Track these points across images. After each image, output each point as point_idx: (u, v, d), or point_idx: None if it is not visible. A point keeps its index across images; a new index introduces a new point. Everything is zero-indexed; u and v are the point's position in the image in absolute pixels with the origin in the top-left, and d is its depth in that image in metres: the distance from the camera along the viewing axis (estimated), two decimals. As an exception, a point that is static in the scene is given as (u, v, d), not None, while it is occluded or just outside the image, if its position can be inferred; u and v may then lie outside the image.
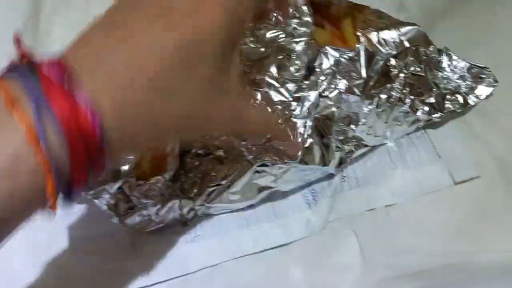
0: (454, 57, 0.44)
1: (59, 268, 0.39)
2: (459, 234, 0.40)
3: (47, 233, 0.40)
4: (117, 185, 0.37)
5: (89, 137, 0.21)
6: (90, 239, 0.40)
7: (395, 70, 0.40)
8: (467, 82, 0.44)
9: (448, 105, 0.43)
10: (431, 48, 0.43)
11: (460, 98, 0.43)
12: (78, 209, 0.40)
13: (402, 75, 0.41)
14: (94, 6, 0.49)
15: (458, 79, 0.44)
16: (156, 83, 0.23)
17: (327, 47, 0.40)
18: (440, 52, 0.44)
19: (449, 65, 0.44)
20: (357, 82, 0.39)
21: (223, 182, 0.38)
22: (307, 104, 0.39)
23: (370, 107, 0.40)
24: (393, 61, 0.40)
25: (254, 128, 0.34)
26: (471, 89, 0.43)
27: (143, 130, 0.24)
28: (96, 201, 0.37)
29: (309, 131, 0.38)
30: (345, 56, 0.40)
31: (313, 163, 0.39)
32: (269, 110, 0.38)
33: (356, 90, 0.39)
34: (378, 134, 0.42)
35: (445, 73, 0.44)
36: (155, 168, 0.41)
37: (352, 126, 0.40)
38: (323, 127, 0.39)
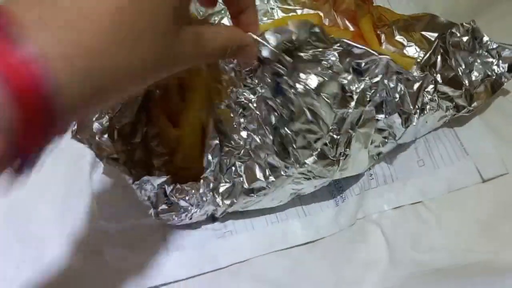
0: (484, 35, 0.42)
1: (91, 254, 0.40)
2: (485, 232, 0.40)
3: (82, 221, 0.41)
4: (161, 179, 0.37)
5: (36, 93, 0.18)
6: (123, 230, 0.40)
7: (425, 84, 0.39)
8: (500, 60, 0.42)
9: (479, 94, 0.41)
10: (457, 29, 0.41)
11: (489, 85, 0.42)
12: (113, 200, 0.41)
13: (431, 86, 0.40)
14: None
15: (488, 57, 0.42)
16: (114, 27, 0.20)
17: (383, 59, 0.37)
18: (467, 30, 0.42)
19: (479, 43, 0.42)
20: (405, 110, 0.38)
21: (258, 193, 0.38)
22: (349, 118, 0.37)
23: (404, 129, 0.39)
24: (419, 73, 0.40)
25: (220, 44, 0.28)
26: (504, 68, 0.42)
27: (106, 80, 0.21)
28: (138, 191, 0.37)
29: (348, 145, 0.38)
30: (400, 77, 0.38)
31: None
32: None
33: (400, 118, 0.38)
34: (407, 140, 0.42)
35: (476, 52, 0.42)
36: (188, 162, 0.41)
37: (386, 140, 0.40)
38: (362, 138, 0.38)
